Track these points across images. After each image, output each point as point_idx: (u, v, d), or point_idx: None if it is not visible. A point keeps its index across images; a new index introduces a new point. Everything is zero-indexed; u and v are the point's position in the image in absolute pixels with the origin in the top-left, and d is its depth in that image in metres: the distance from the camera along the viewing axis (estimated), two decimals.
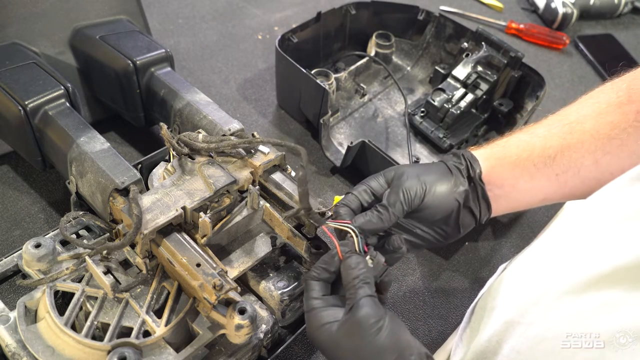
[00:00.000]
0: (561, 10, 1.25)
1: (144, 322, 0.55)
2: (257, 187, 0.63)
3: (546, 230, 0.58)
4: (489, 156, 0.60)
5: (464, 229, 0.59)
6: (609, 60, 1.21)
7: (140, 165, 0.69)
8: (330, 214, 0.61)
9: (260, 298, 0.64)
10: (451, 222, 0.58)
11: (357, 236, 0.52)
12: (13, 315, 0.57)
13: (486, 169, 0.59)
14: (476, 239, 0.82)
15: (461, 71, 0.93)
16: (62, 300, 0.59)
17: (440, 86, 0.93)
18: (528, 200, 0.62)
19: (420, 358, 0.45)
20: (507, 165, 0.59)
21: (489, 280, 0.67)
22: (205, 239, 0.58)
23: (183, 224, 0.59)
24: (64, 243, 0.64)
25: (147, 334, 0.55)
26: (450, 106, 0.90)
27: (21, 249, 0.60)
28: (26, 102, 0.66)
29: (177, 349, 0.55)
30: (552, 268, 0.49)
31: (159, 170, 0.67)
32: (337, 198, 0.59)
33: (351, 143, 0.81)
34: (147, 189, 0.63)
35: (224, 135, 0.66)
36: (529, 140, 0.60)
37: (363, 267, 0.49)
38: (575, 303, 0.44)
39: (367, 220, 0.54)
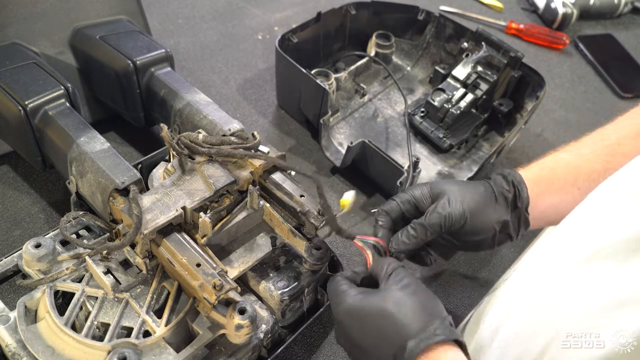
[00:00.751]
0: (561, 11, 1.25)
1: (144, 322, 0.55)
2: (257, 187, 0.63)
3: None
4: (538, 181, 0.60)
5: (498, 245, 0.60)
6: (609, 60, 1.21)
7: (140, 165, 0.69)
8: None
9: (260, 298, 0.64)
10: (486, 243, 0.59)
11: (371, 256, 0.55)
12: (13, 315, 0.57)
13: (533, 195, 0.59)
14: None
15: (461, 71, 0.93)
16: (62, 300, 0.59)
17: (440, 86, 0.93)
18: (563, 218, 0.63)
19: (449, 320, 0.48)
20: (554, 190, 0.60)
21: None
22: (205, 239, 0.58)
23: (183, 224, 0.59)
24: (64, 243, 0.64)
25: (147, 334, 0.55)
26: (450, 106, 0.90)
27: (21, 249, 0.60)
28: (26, 102, 0.66)
29: (177, 349, 0.55)
30: (556, 249, 0.50)
31: (159, 170, 0.67)
32: (343, 201, 0.59)
33: (351, 143, 0.80)
34: (147, 189, 0.63)
35: (224, 135, 0.66)
36: (575, 162, 0.60)
37: (394, 260, 0.54)
38: (570, 278, 0.45)
39: (402, 242, 0.56)
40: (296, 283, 0.63)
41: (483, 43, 0.93)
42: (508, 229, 0.59)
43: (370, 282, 0.53)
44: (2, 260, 0.65)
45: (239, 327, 0.54)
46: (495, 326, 0.51)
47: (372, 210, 0.83)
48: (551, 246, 0.52)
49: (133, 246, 0.57)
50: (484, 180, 0.61)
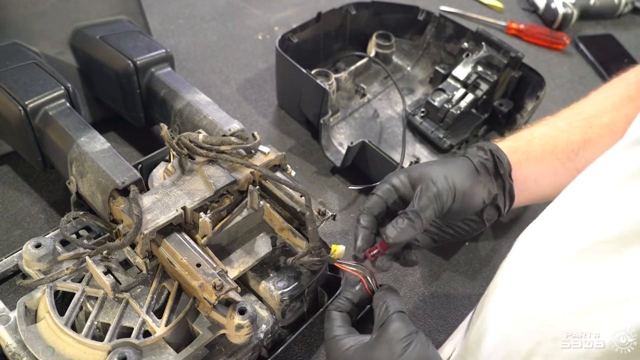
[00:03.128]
0: (561, 11, 1.25)
1: (144, 322, 0.55)
2: (257, 187, 0.63)
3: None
4: (515, 150, 0.59)
5: (488, 222, 0.59)
6: (609, 60, 1.21)
7: (140, 165, 0.69)
8: (330, 214, 0.61)
9: (260, 298, 0.64)
10: (476, 219, 0.58)
11: (365, 278, 0.54)
12: (13, 315, 0.57)
13: (513, 164, 0.57)
14: (476, 239, 0.82)
15: (461, 71, 0.93)
16: (62, 300, 0.59)
17: (440, 86, 0.93)
18: (547, 194, 0.61)
19: None
20: (533, 160, 0.58)
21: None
22: (205, 239, 0.58)
23: (183, 224, 0.59)
24: (64, 243, 0.64)
25: (147, 334, 0.55)
26: (450, 106, 0.90)
27: (21, 249, 0.60)
28: (26, 102, 0.66)
29: (177, 349, 0.55)
30: (538, 250, 0.49)
31: (159, 171, 0.67)
32: (335, 247, 0.59)
33: (351, 143, 0.80)
34: (147, 189, 0.63)
35: (224, 135, 0.66)
36: (552, 134, 0.60)
37: (395, 294, 0.52)
38: (555, 277, 0.44)
39: (400, 232, 0.53)
40: (296, 283, 0.63)
41: (483, 43, 0.93)
42: (495, 199, 0.57)
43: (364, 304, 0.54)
44: (2, 260, 0.65)
45: (239, 327, 0.54)
46: (481, 331, 0.51)
47: (350, 187, 0.83)
48: (533, 245, 0.51)
49: (133, 246, 0.57)
50: (459, 156, 0.59)
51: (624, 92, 0.61)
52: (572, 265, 0.44)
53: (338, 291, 0.66)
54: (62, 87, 0.69)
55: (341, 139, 0.91)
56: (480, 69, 0.93)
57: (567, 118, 0.61)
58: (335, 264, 0.58)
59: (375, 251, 0.55)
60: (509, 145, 0.59)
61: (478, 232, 0.60)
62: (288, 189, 0.63)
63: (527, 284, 0.47)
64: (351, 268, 0.56)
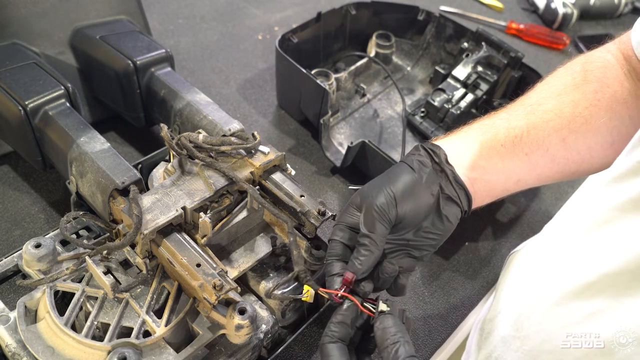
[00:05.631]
0: (561, 11, 1.25)
1: (144, 322, 0.55)
2: (257, 187, 0.63)
3: (537, 236, 0.56)
4: (451, 141, 0.57)
5: (454, 219, 0.56)
6: None
7: (140, 165, 0.69)
8: (330, 214, 0.61)
9: (260, 298, 0.64)
10: (435, 218, 0.55)
11: (358, 300, 0.50)
12: (13, 315, 0.57)
13: (451, 154, 0.56)
14: (476, 239, 0.82)
15: (461, 71, 0.93)
16: (62, 300, 0.59)
17: (440, 86, 0.93)
18: (504, 182, 0.59)
19: None
20: (472, 147, 0.57)
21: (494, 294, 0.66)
22: (205, 239, 0.58)
23: (183, 224, 0.59)
24: (64, 243, 0.64)
25: (147, 334, 0.55)
26: (450, 106, 0.90)
27: (21, 249, 0.60)
28: (26, 102, 0.66)
29: (177, 349, 0.55)
30: (542, 279, 0.49)
31: (159, 171, 0.67)
32: (307, 287, 0.55)
33: (351, 143, 0.80)
34: (147, 189, 0.63)
35: (224, 135, 0.66)
36: (492, 123, 0.59)
37: (399, 324, 0.46)
38: (564, 314, 0.44)
39: (359, 264, 0.51)
40: (296, 283, 0.63)
41: (483, 43, 0.93)
42: (444, 189, 0.54)
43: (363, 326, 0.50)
44: (2, 260, 0.65)
45: (239, 327, 0.54)
46: (495, 357, 0.50)
47: (350, 187, 0.83)
48: (537, 274, 0.50)
49: (133, 246, 0.57)
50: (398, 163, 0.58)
51: (568, 81, 0.60)
52: (568, 306, 0.44)
53: (323, 308, 0.65)
54: (62, 87, 0.69)
55: (341, 139, 0.91)
56: (480, 69, 0.93)
57: (508, 109, 0.61)
58: (319, 291, 0.54)
59: (343, 289, 0.51)
60: (444, 140, 0.58)
61: (450, 233, 0.57)
62: (288, 188, 0.63)
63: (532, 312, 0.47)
64: (325, 294, 0.52)
